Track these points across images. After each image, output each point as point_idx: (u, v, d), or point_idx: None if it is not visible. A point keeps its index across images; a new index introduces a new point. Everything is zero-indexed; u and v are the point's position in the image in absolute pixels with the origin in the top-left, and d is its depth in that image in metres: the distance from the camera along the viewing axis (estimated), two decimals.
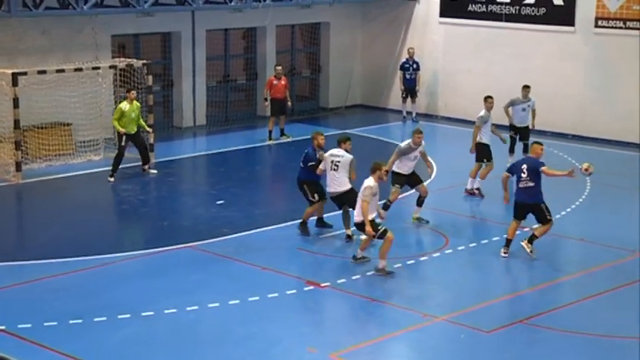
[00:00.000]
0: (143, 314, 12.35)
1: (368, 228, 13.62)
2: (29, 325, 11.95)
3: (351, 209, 14.75)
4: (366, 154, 16.68)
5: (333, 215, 15.99)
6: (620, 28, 22.35)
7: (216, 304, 12.70)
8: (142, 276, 13.98)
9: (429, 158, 16.65)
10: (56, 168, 19.89)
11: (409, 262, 14.26)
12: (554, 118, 22.31)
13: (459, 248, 15.12)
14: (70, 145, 20.67)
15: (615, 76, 22.53)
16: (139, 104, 19.44)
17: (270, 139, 22.63)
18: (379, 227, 13.74)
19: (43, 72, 19.51)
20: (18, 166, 18.90)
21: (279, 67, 23.00)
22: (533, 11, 23.65)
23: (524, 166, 14.51)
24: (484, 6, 24.38)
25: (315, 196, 15.39)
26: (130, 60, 21.04)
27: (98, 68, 20.49)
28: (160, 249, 14.98)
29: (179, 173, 20.35)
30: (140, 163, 19.62)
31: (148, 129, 19.72)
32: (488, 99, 18.31)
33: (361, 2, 26.35)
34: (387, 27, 26.43)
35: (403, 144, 16.08)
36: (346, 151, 15.21)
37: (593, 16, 22.73)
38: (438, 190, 17.74)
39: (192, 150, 22.66)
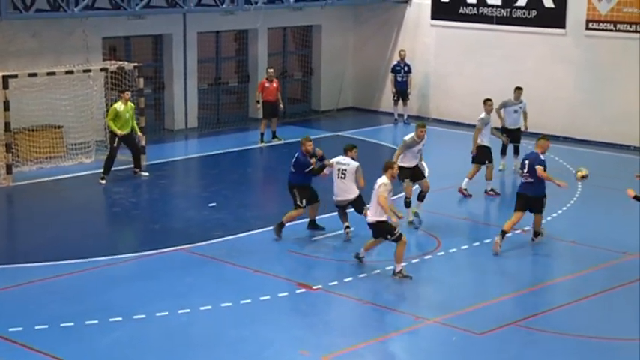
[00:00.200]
0: (135, 317, 12.33)
1: (394, 218, 13.68)
2: (20, 329, 11.91)
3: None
4: (358, 156, 16.61)
5: (326, 218, 16.01)
6: (611, 30, 22.42)
7: (208, 307, 12.68)
8: (134, 279, 13.95)
9: (422, 158, 16.68)
10: (47, 171, 19.84)
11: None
12: (545, 120, 22.36)
13: (451, 250, 15.13)
14: (61, 148, 20.63)
15: (606, 78, 22.59)
16: (133, 105, 19.42)
17: (261, 141, 22.62)
18: (395, 231, 13.68)
19: (34, 74, 19.46)
20: (9, 169, 18.85)
21: (271, 70, 23.00)
22: (524, 14, 23.70)
23: (526, 162, 15.03)
24: (475, 8, 24.43)
25: (303, 201, 15.37)
26: (121, 62, 21.01)
27: (89, 71, 20.46)
28: (152, 252, 14.95)
29: (171, 176, 20.32)
30: (132, 165, 19.59)
31: (139, 133, 19.64)
32: (487, 101, 18.41)
33: (353, 5, 26.37)
34: (379, 29, 26.46)
35: (408, 138, 16.23)
36: (352, 159, 15.23)
37: (584, 19, 22.79)
38: (430, 192, 17.73)
39: (184, 152, 22.64)
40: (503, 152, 19.93)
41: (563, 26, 23.16)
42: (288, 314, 12.79)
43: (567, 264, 15.00)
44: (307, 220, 15.83)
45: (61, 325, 12.04)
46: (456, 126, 24.56)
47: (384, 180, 13.77)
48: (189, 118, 24.12)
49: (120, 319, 12.25)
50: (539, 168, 14.81)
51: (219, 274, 14.10)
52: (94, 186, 18.83)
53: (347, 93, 27.19)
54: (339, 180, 15.17)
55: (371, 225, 13.90)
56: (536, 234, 15.39)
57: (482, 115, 18.25)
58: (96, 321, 12.16)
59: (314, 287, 13.46)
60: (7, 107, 18.72)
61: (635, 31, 22.08)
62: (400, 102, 25.22)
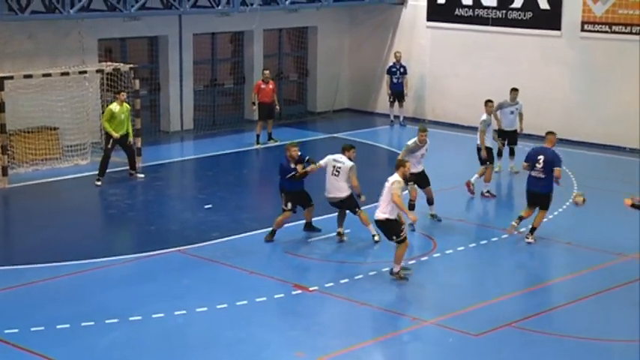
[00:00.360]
0: (131, 319, 12.31)
1: (411, 216, 13.84)
2: (16, 331, 11.89)
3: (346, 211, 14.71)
4: (356, 157, 16.62)
5: (324, 219, 16.02)
6: (606, 32, 22.46)
7: (205, 309, 12.67)
8: (130, 280, 13.95)
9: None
10: (43, 172, 19.82)
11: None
12: (540, 121, 22.37)
13: (447, 252, 15.14)
14: (57, 150, 20.61)
15: (601, 80, 22.63)
16: (129, 106, 19.39)
17: (257, 143, 22.62)
18: (402, 233, 13.60)
19: (30, 76, 19.44)
20: (4, 171, 18.82)
21: (267, 71, 23.00)
22: (519, 15, 23.74)
23: (541, 157, 14.99)
24: (471, 10, 24.46)
25: (289, 204, 15.35)
26: (116, 64, 20.99)
27: (85, 72, 20.45)
28: (148, 253, 14.94)
29: (166, 177, 20.31)
30: (127, 167, 19.56)
31: (131, 138, 19.42)
32: (488, 103, 18.48)
33: (348, 7, 26.38)
34: (375, 31, 26.47)
35: (410, 142, 16.27)
36: (349, 159, 15.25)
37: (579, 21, 22.83)
38: None
39: (180, 154, 22.63)
40: (499, 154, 19.94)
41: (558, 28, 23.19)
42: (285, 316, 12.79)
43: (563, 265, 15.03)
44: (303, 221, 15.83)
45: (57, 327, 12.02)
46: (452, 127, 24.59)
47: (396, 177, 13.66)
48: (185, 119, 24.11)
49: (116, 320, 12.24)
50: (559, 170, 15.00)
51: (215, 275, 14.09)
52: (90, 188, 18.81)
53: (343, 94, 27.20)
54: (332, 177, 15.21)
55: (379, 222, 13.80)
56: (533, 230, 15.37)
57: (484, 116, 18.29)
58: (92, 323, 12.14)
59: (310, 289, 13.46)
60: (2, 109, 18.70)
61: (631, 33, 22.12)
62: (396, 103, 25.23)
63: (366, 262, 14.59)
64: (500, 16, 24.02)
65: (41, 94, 20.28)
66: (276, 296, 13.22)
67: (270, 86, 22.74)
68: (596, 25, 22.61)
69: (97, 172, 19.02)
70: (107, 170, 19.09)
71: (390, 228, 13.68)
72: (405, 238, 13.69)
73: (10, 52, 20.55)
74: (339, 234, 15.44)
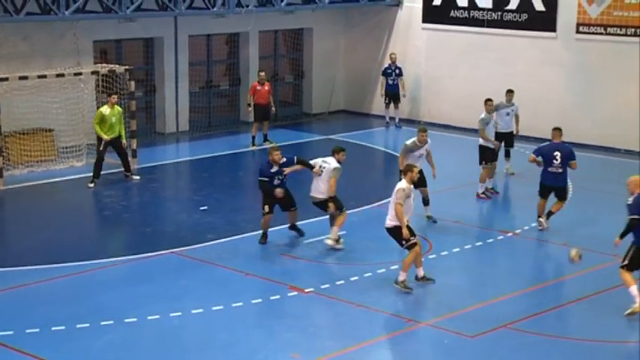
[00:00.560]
0: (126, 320, 12.30)
1: (405, 230, 13.30)
2: (11, 332, 11.87)
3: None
4: (349, 159, 16.56)
5: (319, 221, 16.01)
6: (601, 34, 22.49)
7: (200, 310, 12.66)
8: (125, 282, 13.93)
9: (433, 160, 16.57)
10: (38, 174, 19.80)
11: (393, 268, 14.24)
12: (536, 123, 22.39)
13: (443, 253, 15.14)
14: (52, 151, 20.58)
15: (596, 81, 22.66)
16: (120, 109, 19.34)
17: (253, 144, 22.60)
18: (414, 235, 13.46)
19: (25, 78, 19.42)
20: None
21: (263, 73, 22.99)
22: (515, 17, 23.76)
23: (558, 154, 15.75)
24: (466, 12, 24.48)
25: (266, 207, 15.29)
26: (112, 66, 20.96)
27: (80, 74, 20.42)
28: (143, 255, 14.93)
29: (162, 179, 20.29)
30: (122, 169, 19.53)
31: (124, 140, 19.31)
32: (488, 102, 18.53)
33: (344, 8, 26.39)
34: (370, 33, 26.48)
35: (409, 142, 16.24)
36: (338, 161, 15.19)
37: (575, 22, 22.85)
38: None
39: (175, 156, 22.61)
40: (495, 156, 19.92)
41: (553, 29, 23.22)
42: (280, 317, 12.78)
43: (559, 266, 15.04)
44: (299, 223, 15.81)
45: (53, 328, 12.00)
46: (448, 129, 24.60)
47: (402, 185, 13.44)
48: (181, 121, 24.10)
49: (111, 322, 12.22)
50: (575, 162, 15.81)
51: (210, 277, 14.08)
52: (85, 189, 18.79)
53: (338, 96, 27.21)
54: (316, 177, 15.18)
55: (388, 230, 13.58)
56: (549, 215, 16.03)
57: (483, 115, 18.32)
58: (87, 324, 12.12)
59: (306, 290, 13.46)
60: None
61: (626, 35, 22.15)
62: (392, 105, 25.24)
63: (361, 263, 14.57)
64: (496, 17, 24.04)
65: (36, 96, 20.25)
66: (271, 298, 13.21)
67: (266, 88, 22.73)
68: (591, 27, 22.64)
69: (91, 174, 18.99)
70: (103, 172, 19.06)
71: (399, 234, 13.43)
72: (415, 244, 13.37)
73: (5, 54, 20.53)
74: (327, 238, 15.33)
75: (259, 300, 13.09)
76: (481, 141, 18.26)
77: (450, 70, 24.88)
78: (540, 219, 16.21)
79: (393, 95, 25.14)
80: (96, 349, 11.52)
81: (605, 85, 22.50)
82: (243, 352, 11.52)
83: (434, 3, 25.00)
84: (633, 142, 22.18)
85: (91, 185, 18.81)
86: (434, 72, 25.22)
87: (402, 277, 13.43)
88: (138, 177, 19.57)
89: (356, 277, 13.94)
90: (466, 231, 16.49)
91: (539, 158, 16.02)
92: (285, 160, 15.21)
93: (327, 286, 13.61)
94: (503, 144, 19.81)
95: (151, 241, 15.70)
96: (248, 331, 12.13)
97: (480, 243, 15.64)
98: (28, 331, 11.93)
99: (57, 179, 19.54)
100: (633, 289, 12.55)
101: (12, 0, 19.46)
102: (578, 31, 22.86)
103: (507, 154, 20.00)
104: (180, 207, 18.05)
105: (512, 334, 12.17)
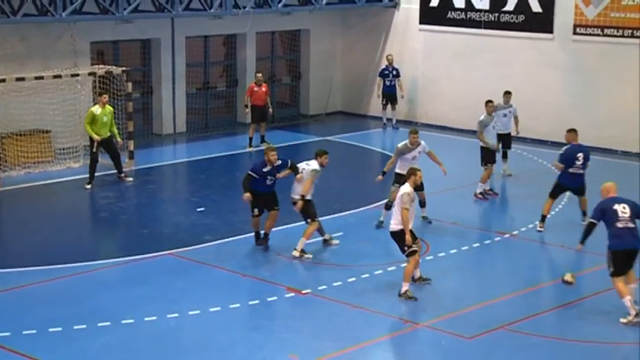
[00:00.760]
0: (123, 322, 12.29)
1: (408, 237, 13.15)
2: (8, 334, 11.86)
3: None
4: (346, 161, 16.69)
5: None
6: (598, 35, 22.51)
7: (197, 312, 12.65)
8: (123, 283, 13.92)
9: (438, 158, 16.53)
10: (35, 175, 19.78)
11: (390, 269, 14.25)
12: (533, 124, 22.41)
13: (440, 254, 15.15)
14: (49, 153, 20.57)
15: (593, 83, 22.67)
16: (111, 109, 19.28)
17: (250, 146, 22.60)
18: (416, 241, 13.36)
19: (22, 79, 19.42)
20: None
21: (260, 74, 22.98)
22: (512, 18, 23.77)
23: (580, 155, 16.01)
24: (463, 13, 24.49)
25: (255, 210, 15.23)
26: (109, 67, 20.96)
27: (77, 75, 20.41)
28: (141, 256, 14.92)
29: (159, 180, 20.28)
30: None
31: (119, 138, 19.35)
32: (489, 103, 18.47)
33: (341, 9, 26.39)
34: (367, 34, 26.49)
35: (401, 144, 16.18)
36: (321, 165, 15.07)
37: (572, 24, 22.87)
38: None
39: (172, 157, 22.60)
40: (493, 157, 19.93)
41: (550, 31, 23.24)
42: (277, 319, 12.78)
43: (556, 267, 15.03)
44: (295, 225, 15.77)
45: (50, 330, 11.99)
46: (445, 130, 24.61)
47: (406, 189, 13.34)
48: (178, 122, 24.08)
49: (108, 323, 12.21)
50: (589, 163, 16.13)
51: (207, 278, 14.07)
52: (82, 191, 18.77)
53: (335, 97, 27.21)
54: (296, 178, 15.08)
55: (392, 234, 13.46)
56: (584, 215, 16.12)
57: (482, 116, 18.30)
58: (84, 326, 12.11)
59: (303, 292, 13.45)
60: None
61: (623, 36, 22.18)
62: (389, 106, 25.24)
63: (358, 265, 14.57)
64: (493, 19, 24.06)
65: (33, 97, 20.24)
66: (269, 299, 13.21)
67: (263, 89, 22.73)
68: (588, 29, 22.66)
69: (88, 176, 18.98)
70: (100, 174, 19.05)
71: (404, 239, 13.26)
72: (415, 252, 13.26)
73: (2, 55, 20.50)
74: (324, 241, 15.35)
75: (256, 301, 13.08)
76: (481, 143, 18.24)
77: (447, 72, 24.89)
78: (539, 225, 16.22)
79: (390, 96, 25.15)
80: (93, 350, 11.51)
81: (602, 86, 22.52)
82: (241, 353, 11.52)
83: (431, 4, 25.01)
84: (630, 143, 22.22)
85: (88, 186, 18.79)
86: (431, 73, 25.23)
87: (404, 287, 13.27)
88: (131, 179, 19.53)
89: (353, 279, 13.93)
90: (463, 232, 16.48)
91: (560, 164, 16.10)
92: (280, 162, 15.18)
93: (325, 287, 13.61)
94: (500, 145, 19.83)
95: (148, 242, 15.69)
96: (245, 332, 12.13)
97: (477, 244, 15.64)
98: (25, 332, 11.92)
99: (54, 180, 19.53)
100: (627, 300, 12.46)
101: (9, 1, 19.45)
102: (575, 33, 22.88)
103: (505, 156, 20.00)
104: (177, 208, 18.04)
105: (510, 335, 12.17)
